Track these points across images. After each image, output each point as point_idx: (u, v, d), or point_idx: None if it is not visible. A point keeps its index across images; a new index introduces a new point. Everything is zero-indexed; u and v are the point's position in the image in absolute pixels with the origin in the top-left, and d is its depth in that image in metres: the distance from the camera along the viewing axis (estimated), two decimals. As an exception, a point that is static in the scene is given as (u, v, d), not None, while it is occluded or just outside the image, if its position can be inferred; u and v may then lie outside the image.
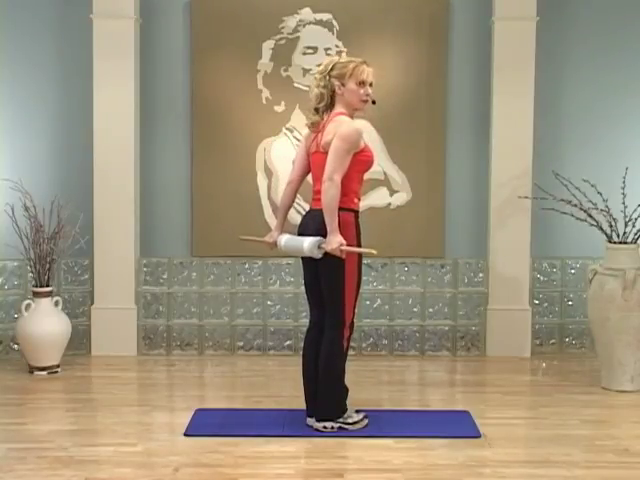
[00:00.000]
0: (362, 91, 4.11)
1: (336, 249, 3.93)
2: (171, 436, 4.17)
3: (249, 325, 5.87)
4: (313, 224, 4.12)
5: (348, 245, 3.99)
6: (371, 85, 4.15)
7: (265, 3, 5.78)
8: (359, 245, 4.12)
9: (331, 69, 4.13)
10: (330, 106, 4.16)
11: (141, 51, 5.76)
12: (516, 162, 5.69)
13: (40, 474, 3.66)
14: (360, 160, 4.09)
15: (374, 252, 3.92)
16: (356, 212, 4.14)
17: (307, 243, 4.01)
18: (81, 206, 5.60)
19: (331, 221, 3.97)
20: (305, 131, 4.34)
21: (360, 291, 4.23)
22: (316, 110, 4.18)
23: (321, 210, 4.05)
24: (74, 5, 5.72)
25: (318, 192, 4.10)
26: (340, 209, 4.02)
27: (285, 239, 4.21)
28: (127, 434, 4.18)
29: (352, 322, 4.19)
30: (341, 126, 4.04)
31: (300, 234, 4.21)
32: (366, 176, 4.27)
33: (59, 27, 5.75)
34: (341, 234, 3.99)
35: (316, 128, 4.18)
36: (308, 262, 4.21)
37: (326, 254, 4.01)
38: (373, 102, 4.18)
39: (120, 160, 5.66)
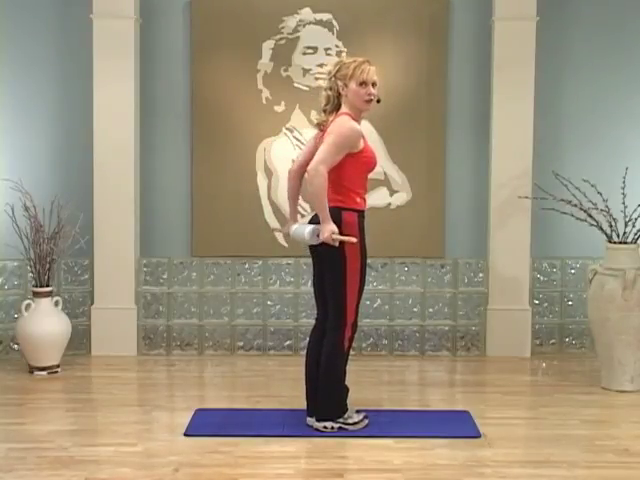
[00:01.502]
0: (364, 91, 4.10)
1: (328, 237, 3.96)
2: (171, 436, 4.17)
3: (249, 325, 5.87)
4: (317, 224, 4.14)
5: (349, 242, 4.03)
6: (375, 84, 4.13)
7: (265, 3, 5.78)
8: (362, 246, 4.12)
9: (337, 70, 4.14)
10: (337, 107, 4.16)
11: (141, 51, 5.75)
12: (516, 162, 5.69)
13: (40, 474, 3.66)
14: (361, 161, 4.10)
15: (354, 240, 4.00)
16: (360, 212, 4.13)
17: (307, 232, 4.07)
18: (81, 206, 5.59)
19: (321, 210, 3.99)
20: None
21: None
22: (324, 111, 4.19)
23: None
24: (74, 5, 5.72)
25: None
26: (343, 208, 4.04)
27: (293, 228, 4.25)
28: (127, 434, 4.18)
29: (355, 322, 4.19)
30: (337, 124, 4.06)
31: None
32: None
33: (59, 27, 5.74)
34: (344, 233, 4.01)
35: (322, 128, 4.19)
36: (315, 261, 4.24)
37: (327, 250, 4.06)
38: (378, 101, 4.18)
39: (120, 160, 5.66)
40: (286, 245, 5.80)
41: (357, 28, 5.74)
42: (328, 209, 3.99)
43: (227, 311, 5.87)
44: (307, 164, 4.16)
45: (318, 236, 4.02)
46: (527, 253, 5.76)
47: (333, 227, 3.98)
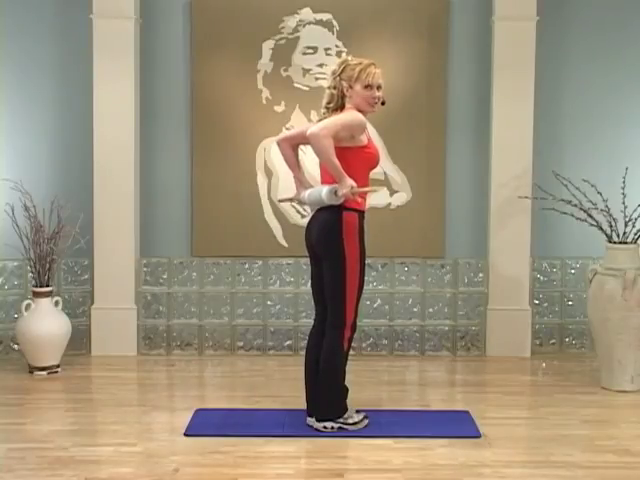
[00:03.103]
0: (368, 94, 4.10)
1: (348, 192, 3.95)
2: (171, 436, 4.17)
3: (249, 325, 5.87)
4: (317, 224, 4.16)
5: (350, 242, 4.05)
6: (380, 87, 4.13)
7: (265, 3, 5.78)
8: (361, 246, 4.12)
9: (342, 71, 4.14)
10: (341, 106, 4.15)
11: (141, 51, 5.75)
12: (516, 162, 5.69)
13: (40, 474, 3.67)
14: (364, 156, 4.10)
15: (371, 189, 4.22)
16: (360, 212, 4.13)
17: (324, 193, 4.03)
18: (81, 206, 5.60)
19: (334, 168, 3.95)
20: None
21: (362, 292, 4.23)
22: (327, 108, 4.20)
23: (321, 210, 4.09)
24: (74, 5, 5.71)
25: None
26: (344, 208, 4.04)
27: (307, 193, 4.24)
28: (127, 434, 4.18)
29: (354, 323, 4.19)
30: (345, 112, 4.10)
31: (306, 235, 4.26)
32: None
33: (59, 27, 5.74)
34: (343, 233, 4.03)
35: None
36: (314, 261, 4.24)
37: (326, 250, 4.09)
38: (382, 103, 4.18)
39: (120, 160, 5.66)
40: (286, 245, 5.80)
41: (357, 28, 5.74)
42: (339, 171, 3.96)
43: (227, 311, 5.87)
44: (297, 138, 4.20)
45: (336, 194, 3.99)
46: (527, 253, 5.76)
47: (351, 181, 3.97)
